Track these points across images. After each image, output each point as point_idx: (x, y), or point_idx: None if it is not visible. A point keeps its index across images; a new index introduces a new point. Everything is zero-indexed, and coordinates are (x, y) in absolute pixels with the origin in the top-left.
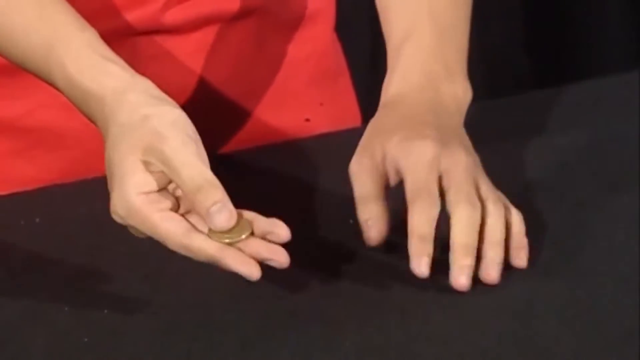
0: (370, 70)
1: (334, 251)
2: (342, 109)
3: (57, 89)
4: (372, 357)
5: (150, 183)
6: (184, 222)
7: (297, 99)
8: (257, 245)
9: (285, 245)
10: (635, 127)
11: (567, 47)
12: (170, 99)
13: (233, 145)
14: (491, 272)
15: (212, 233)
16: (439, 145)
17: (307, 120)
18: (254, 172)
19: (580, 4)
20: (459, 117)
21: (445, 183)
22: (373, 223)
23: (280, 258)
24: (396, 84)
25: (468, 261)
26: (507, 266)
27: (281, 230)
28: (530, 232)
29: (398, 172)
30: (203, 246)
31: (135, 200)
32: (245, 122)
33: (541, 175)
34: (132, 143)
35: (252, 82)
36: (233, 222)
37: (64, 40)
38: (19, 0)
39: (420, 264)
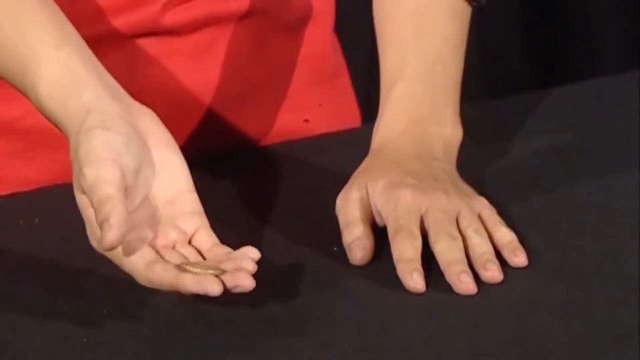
0: (369, 70)
1: (333, 251)
2: (342, 110)
3: None
4: (372, 357)
5: None
6: (149, 255)
7: (297, 100)
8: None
9: (284, 246)
10: (635, 127)
11: (566, 48)
12: (129, 110)
13: (233, 145)
14: (488, 267)
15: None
16: (419, 192)
17: (307, 120)
18: (253, 172)
19: (579, 4)
20: (447, 159)
21: (425, 224)
22: (357, 243)
23: (244, 282)
24: (382, 130)
25: (461, 267)
26: (506, 266)
27: (252, 254)
28: (530, 232)
29: (380, 217)
30: (162, 275)
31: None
32: (244, 123)
33: (541, 175)
34: (75, 182)
35: (251, 82)
36: (118, 238)
37: (37, 63)
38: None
39: (413, 277)
